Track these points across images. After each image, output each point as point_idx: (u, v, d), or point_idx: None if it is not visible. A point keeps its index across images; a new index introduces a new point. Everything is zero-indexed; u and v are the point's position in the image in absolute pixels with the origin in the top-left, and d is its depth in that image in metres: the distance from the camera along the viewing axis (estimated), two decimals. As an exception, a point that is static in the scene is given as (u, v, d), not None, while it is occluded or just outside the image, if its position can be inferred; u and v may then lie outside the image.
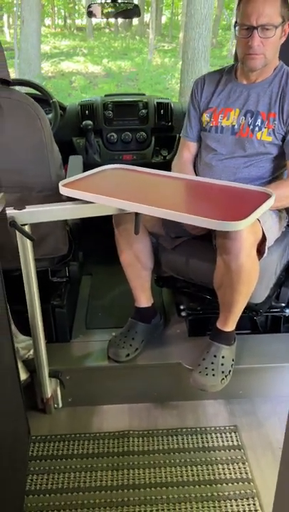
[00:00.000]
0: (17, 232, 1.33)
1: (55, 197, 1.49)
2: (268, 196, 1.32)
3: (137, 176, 1.58)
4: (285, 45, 1.55)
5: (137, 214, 1.40)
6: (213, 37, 12.36)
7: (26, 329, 1.56)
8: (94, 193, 1.34)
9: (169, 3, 19.30)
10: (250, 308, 1.64)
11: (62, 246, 1.65)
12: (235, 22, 1.49)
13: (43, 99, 2.14)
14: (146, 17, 18.49)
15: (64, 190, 1.38)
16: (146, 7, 18.40)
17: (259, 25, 1.42)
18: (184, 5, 6.21)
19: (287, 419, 0.92)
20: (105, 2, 2.04)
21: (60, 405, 1.72)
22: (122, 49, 15.09)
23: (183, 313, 1.81)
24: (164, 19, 20.73)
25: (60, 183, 1.40)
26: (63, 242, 1.64)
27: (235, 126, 1.59)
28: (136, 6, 2.06)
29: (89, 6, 2.25)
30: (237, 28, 1.47)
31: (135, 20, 18.83)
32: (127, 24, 18.76)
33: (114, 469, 1.49)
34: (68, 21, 22.46)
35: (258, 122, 1.56)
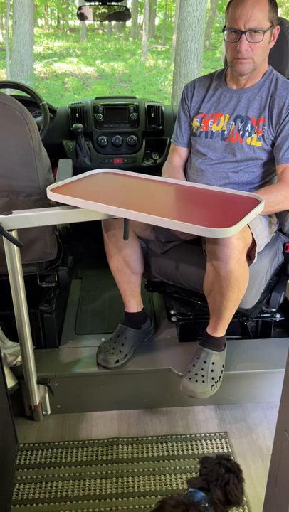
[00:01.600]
0: (3, 238, 1.31)
1: (43, 201, 1.47)
2: (257, 202, 1.31)
3: (127, 180, 1.56)
4: (275, 49, 1.54)
5: (125, 219, 1.38)
6: (206, 39, 12.41)
7: (14, 335, 1.54)
8: (82, 197, 1.33)
9: (162, 4, 19.33)
10: (241, 314, 1.63)
11: (51, 251, 1.63)
12: (224, 26, 1.48)
13: (33, 101, 2.13)
14: (140, 18, 18.53)
15: (52, 195, 1.36)
16: (139, 8, 18.42)
17: (247, 30, 1.41)
18: (177, 7, 6.21)
19: (275, 430, 0.91)
20: (96, 4, 2.02)
21: (49, 412, 1.70)
22: (115, 50, 15.08)
23: (173, 319, 1.80)
24: (157, 21, 20.76)
25: (48, 188, 1.38)
26: (52, 246, 1.62)
27: (225, 132, 1.58)
28: (126, 8, 2.04)
29: (80, 8, 2.23)
30: (225, 32, 1.46)
31: (128, 22, 18.83)
32: (120, 25, 18.77)
33: (103, 478, 1.48)
34: (62, 22, 22.42)
35: (248, 128, 1.55)
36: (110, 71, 11.84)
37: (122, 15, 2.06)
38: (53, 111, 2.31)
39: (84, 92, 9.57)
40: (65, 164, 1.84)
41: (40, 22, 21.42)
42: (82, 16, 2.24)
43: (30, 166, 1.44)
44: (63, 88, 9.92)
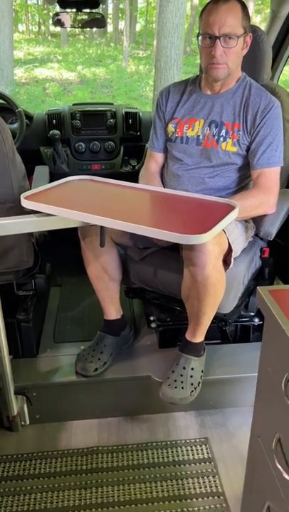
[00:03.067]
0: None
1: (18, 209, 1.45)
2: (232, 208, 1.32)
3: (103, 187, 1.56)
4: (248, 57, 1.56)
5: (101, 227, 1.37)
6: (187, 45, 12.51)
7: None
8: (57, 205, 1.31)
9: (143, 11, 19.46)
10: (219, 319, 1.64)
11: (28, 258, 1.61)
12: (198, 33, 1.49)
13: (9, 108, 2.11)
14: (121, 24, 18.60)
15: (26, 203, 1.34)
16: (120, 14, 18.50)
17: (222, 35, 1.43)
18: (157, 13, 6.25)
19: (249, 437, 0.91)
20: (71, 11, 2.01)
21: (28, 422, 1.67)
22: (96, 56, 15.09)
23: (153, 325, 1.79)
24: (138, 27, 20.87)
25: (22, 196, 1.36)
26: (28, 254, 1.60)
27: (200, 137, 1.59)
28: (102, 16, 2.04)
29: (57, 14, 2.23)
30: (200, 38, 1.48)
31: (110, 28, 18.91)
32: (101, 31, 18.77)
33: (82, 488, 1.46)
34: (42, 28, 22.36)
35: (223, 133, 1.56)
36: (92, 76, 11.83)
37: (98, 21, 2.06)
38: (29, 117, 2.29)
39: (65, 98, 9.54)
40: (41, 171, 1.83)
41: (21, 27, 21.33)
42: (58, 23, 2.23)
43: (4, 173, 1.42)
44: (44, 94, 9.87)
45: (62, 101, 9.18)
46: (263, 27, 2.05)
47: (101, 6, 1.98)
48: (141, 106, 8.55)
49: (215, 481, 1.47)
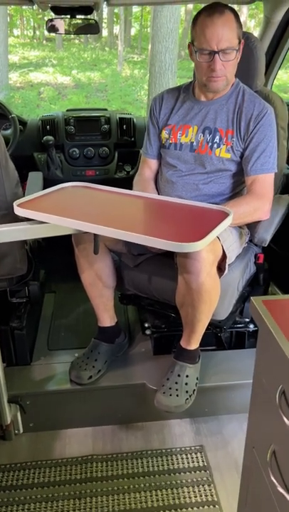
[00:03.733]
0: None
1: (11, 216, 1.44)
2: (226, 215, 1.31)
3: (96, 194, 1.55)
4: (242, 63, 1.56)
5: (95, 234, 1.36)
6: (182, 49, 12.53)
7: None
8: (51, 212, 1.30)
9: (138, 15, 19.52)
10: (214, 325, 1.63)
11: (21, 265, 1.60)
12: (192, 42, 1.48)
13: (2, 114, 2.10)
14: (116, 29, 18.65)
15: (19, 211, 1.33)
16: (115, 19, 18.55)
17: (220, 50, 1.42)
18: (152, 18, 6.27)
19: (244, 448, 0.90)
20: (64, 17, 2.01)
21: (21, 431, 1.66)
22: (91, 60, 15.11)
23: (147, 332, 1.78)
24: (133, 31, 20.94)
25: (15, 203, 1.35)
26: (22, 261, 1.59)
27: (194, 143, 1.59)
28: (96, 22, 2.04)
29: (50, 20, 2.22)
30: (197, 54, 1.46)
31: (105, 32, 18.95)
32: (96, 36, 18.83)
33: (76, 498, 1.44)
34: (37, 32, 22.38)
35: (216, 139, 1.56)
36: (87, 81, 11.84)
37: (92, 27, 2.06)
38: (23, 123, 2.28)
39: (60, 102, 9.54)
40: (35, 177, 1.82)
41: (16, 32, 21.35)
42: (52, 29, 2.23)
43: (-3, 180, 1.41)
44: (39, 98, 9.87)
45: (57, 105, 9.18)
46: (257, 32, 2.07)
47: (95, 12, 1.97)
48: (136, 110, 8.57)
49: (210, 490, 1.46)
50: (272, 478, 0.74)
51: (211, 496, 1.44)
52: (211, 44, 1.42)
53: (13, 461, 1.58)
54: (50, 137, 2.11)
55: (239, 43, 1.47)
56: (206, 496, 1.45)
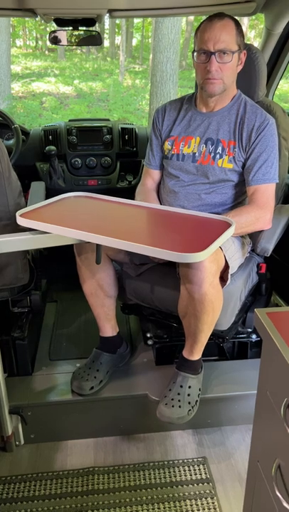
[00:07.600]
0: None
1: (13, 226, 1.44)
2: (228, 225, 1.31)
3: (98, 204, 1.55)
4: (243, 74, 1.57)
5: (97, 244, 1.36)
6: (183, 59, 12.65)
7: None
8: (53, 222, 1.30)
9: (139, 26, 19.70)
10: (217, 335, 1.62)
11: (23, 275, 1.59)
12: (194, 50, 1.50)
13: (5, 124, 2.11)
14: (118, 39, 18.82)
15: (21, 221, 1.33)
16: (117, 29, 18.72)
17: (216, 51, 1.44)
18: (153, 28, 6.34)
19: (248, 461, 0.89)
20: (67, 29, 2.03)
21: (22, 442, 1.64)
22: (93, 70, 15.23)
23: (149, 342, 1.77)
24: (134, 41, 21.13)
25: (18, 213, 1.35)
26: (24, 271, 1.59)
27: (196, 154, 1.59)
28: (98, 33, 2.06)
29: (53, 32, 2.24)
30: (195, 54, 1.49)
31: (106, 42, 19.11)
32: (98, 46, 18.97)
33: (78, 511, 1.42)
34: (40, 42, 22.60)
35: (219, 150, 1.56)
36: (88, 90, 11.93)
37: (94, 39, 2.07)
38: (26, 133, 2.29)
39: (62, 112, 9.60)
40: (37, 187, 1.82)
41: (19, 42, 21.55)
42: (55, 40, 2.25)
43: (0, 190, 1.41)
44: (41, 107, 9.94)
45: (59, 114, 9.23)
46: (257, 42, 2.08)
47: (97, 23, 1.99)
48: (137, 119, 8.62)
49: (213, 503, 1.44)
50: (278, 493, 0.73)
51: (214, 509, 1.43)
52: (208, 44, 1.44)
53: (13, 473, 1.56)
54: (53, 147, 2.12)
55: (239, 50, 1.48)
56: (209, 509, 1.43)
